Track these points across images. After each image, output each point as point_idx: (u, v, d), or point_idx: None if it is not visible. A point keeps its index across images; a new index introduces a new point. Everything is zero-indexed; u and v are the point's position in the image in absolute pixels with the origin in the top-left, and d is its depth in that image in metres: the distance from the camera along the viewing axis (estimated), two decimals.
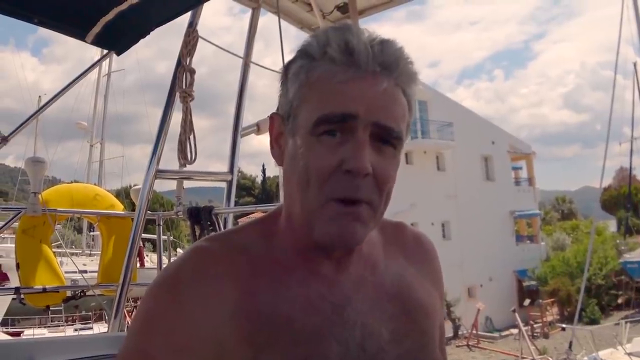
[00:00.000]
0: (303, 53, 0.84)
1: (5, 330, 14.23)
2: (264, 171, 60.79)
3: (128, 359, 0.82)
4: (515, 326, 20.69)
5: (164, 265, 3.49)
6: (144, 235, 3.02)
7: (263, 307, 0.80)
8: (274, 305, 0.81)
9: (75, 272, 4.46)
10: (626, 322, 15.92)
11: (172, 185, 3.11)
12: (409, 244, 1.02)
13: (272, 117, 0.90)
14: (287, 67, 0.87)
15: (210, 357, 0.77)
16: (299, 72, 0.83)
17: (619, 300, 27.67)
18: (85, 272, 3.87)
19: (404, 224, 1.06)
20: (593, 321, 23.55)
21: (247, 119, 3.28)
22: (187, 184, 3.08)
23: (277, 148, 0.90)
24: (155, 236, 3.71)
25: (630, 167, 30.29)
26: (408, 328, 0.89)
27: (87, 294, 3.51)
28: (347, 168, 0.78)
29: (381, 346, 0.84)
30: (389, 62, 0.81)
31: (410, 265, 0.98)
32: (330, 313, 0.83)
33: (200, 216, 2.88)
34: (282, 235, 0.89)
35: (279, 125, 0.89)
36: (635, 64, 24.04)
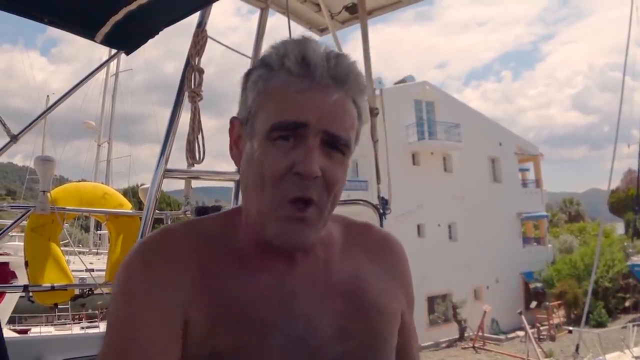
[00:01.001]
0: (262, 63, 0.91)
1: (12, 327, 14.30)
2: None
3: (110, 322, 0.88)
4: (522, 328, 20.63)
5: None
6: None
7: (219, 287, 0.88)
8: (229, 288, 0.88)
9: (82, 271, 4.47)
10: (633, 325, 15.82)
11: (178, 185, 3.11)
12: (374, 244, 1.06)
13: (232, 121, 0.97)
14: (247, 75, 0.94)
15: (180, 321, 0.85)
16: (257, 80, 0.90)
17: (627, 303, 27.52)
18: (93, 270, 3.87)
19: (372, 225, 1.11)
20: (600, 324, 23.42)
21: None
22: (194, 183, 3.09)
23: (236, 150, 0.97)
24: None
25: (639, 169, 30.09)
26: (357, 326, 0.92)
27: (95, 292, 3.53)
28: (297, 171, 0.85)
29: (324, 341, 0.89)
30: (340, 75, 0.88)
31: (373, 265, 1.02)
32: (276, 305, 0.89)
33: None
34: (241, 229, 0.96)
35: (238, 129, 0.96)
36: None
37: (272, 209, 0.87)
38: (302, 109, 0.85)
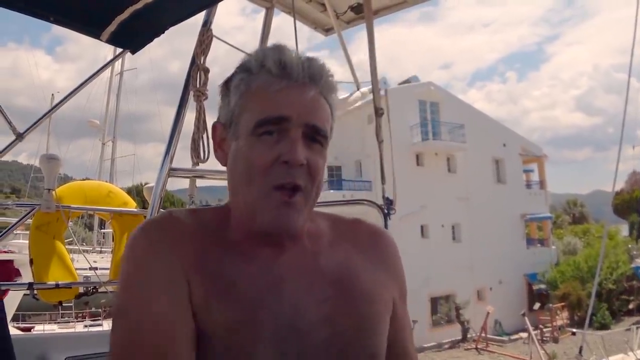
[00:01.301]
0: (242, 69, 0.99)
1: (16, 325, 14.35)
2: None
3: (120, 287, 0.93)
4: (525, 330, 20.61)
5: None
6: None
7: (211, 268, 0.93)
8: (221, 269, 0.93)
9: (86, 269, 4.48)
10: (637, 328, 15.81)
11: (182, 184, 3.11)
12: (363, 238, 1.11)
13: (214, 125, 1.05)
14: (226, 82, 1.02)
15: (184, 293, 0.90)
16: (239, 84, 0.98)
17: (630, 306, 27.45)
18: (97, 269, 3.89)
19: (361, 220, 1.16)
20: (604, 326, 23.36)
21: None
22: (198, 182, 3.09)
23: (221, 152, 1.04)
24: None
25: None
26: (345, 311, 0.96)
27: (100, 290, 3.53)
28: (285, 159, 0.92)
29: (312, 325, 0.93)
30: (314, 74, 0.96)
31: (362, 256, 1.06)
32: (265, 291, 0.93)
33: None
34: (233, 220, 1.01)
35: (220, 132, 1.03)
36: None
37: (260, 198, 0.93)
38: (284, 105, 0.93)
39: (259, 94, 0.95)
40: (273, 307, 0.92)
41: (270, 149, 0.93)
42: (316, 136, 0.96)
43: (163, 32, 2.46)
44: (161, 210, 2.87)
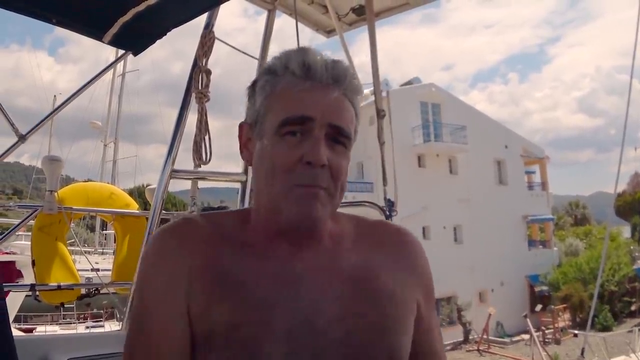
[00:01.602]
0: (268, 70, 1.01)
1: (18, 326, 14.36)
2: None
3: (135, 283, 1.07)
4: (527, 331, 20.56)
5: None
6: None
7: (219, 269, 0.96)
8: (230, 269, 0.96)
9: (87, 270, 4.48)
10: (639, 330, 15.76)
11: (184, 185, 3.12)
12: (387, 238, 1.11)
13: (240, 125, 1.07)
14: (252, 85, 1.04)
15: (183, 293, 0.95)
16: (264, 85, 1.00)
17: (632, 307, 27.35)
18: (99, 270, 3.89)
19: (386, 221, 1.20)
20: (606, 328, 23.31)
21: None
22: (200, 184, 3.09)
23: (246, 151, 1.06)
24: None
25: None
26: (365, 309, 0.97)
27: (101, 291, 3.54)
28: (307, 160, 0.93)
29: (329, 323, 0.94)
30: (338, 76, 0.97)
31: (385, 256, 1.06)
32: (280, 287, 0.95)
33: None
34: (252, 221, 1.04)
35: (246, 132, 1.05)
36: None
37: (283, 194, 0.95)
38: (308, 105, 0.95)
39: (283, 94, 0.97)
40: (288, 305, 0.93)
41: (293, 148, 0.94)
42: (339, 137, 0.97)
43: (165, 34, 2.47)
44: (163, 211, 2.87)
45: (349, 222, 1.10)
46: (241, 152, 1.07)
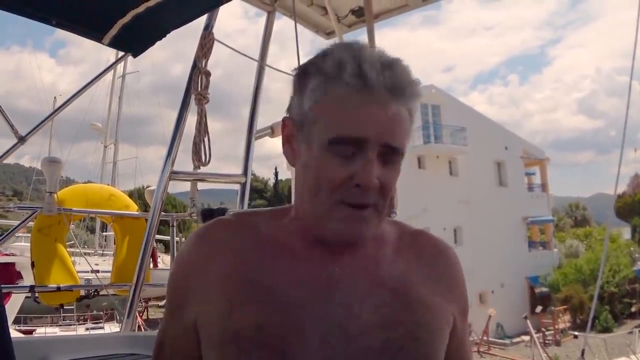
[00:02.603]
0: (318, 70, 0.92)
1: (17, 328, 14.35)
2: (276, 174, 60.70)
3: (169, 280, 1.05)
4: (527, 333, 20.55)
5: None
6: (157, 237, 3.04)
7: (251, 271, 0.95)
8: (261, 272, 0.95)
9: (87, 272, 4.48)
10: (639, 331, 15.75)
11: (183, 187, 3.12)
12: (426, 250, 1.07)
13: (284, 120, 1.00)
14: (300, 78, 0.96)
15: (214, 296, 0.95)
16: (315, 89, 0.91)
17: (633, 309, 27.34)
18: (98, 271, 3.89)
19: (425, 232, 1.13)
20: (606, 329, 23.30)
21: (261, 122, 3.28)
22: (199, 185, 3.09)
23: (290, 149, 1.00)
24: (168, 237, 3.73)
25: None
26: (402, 318, 0.94)
27: (101, 293, 3.54)
28: (357, 182, 0.88)
29: (363, 330, 0.91)
30: (397, 86, 0.89)
31: (423, 267, 1.03)
32: (314, 291, 0.93)
33: (214, 218, 2.88)
34: (289, 223, 1.01)
35: (290, 129, 0.98)
36: None
37: (329, 208, 0.91)
38: (362, 124, 0.88)
39: (336, 106, 0.89)
40: (321, 310, 0.91)
41: (344, 167, 0.89)
42: (393, 156, 0.91)
43: (165, 36, 2.47)
44: (162, 213, 2.87)
45: (391, 227, 1.07)
46: (283, 146, 1.01)
